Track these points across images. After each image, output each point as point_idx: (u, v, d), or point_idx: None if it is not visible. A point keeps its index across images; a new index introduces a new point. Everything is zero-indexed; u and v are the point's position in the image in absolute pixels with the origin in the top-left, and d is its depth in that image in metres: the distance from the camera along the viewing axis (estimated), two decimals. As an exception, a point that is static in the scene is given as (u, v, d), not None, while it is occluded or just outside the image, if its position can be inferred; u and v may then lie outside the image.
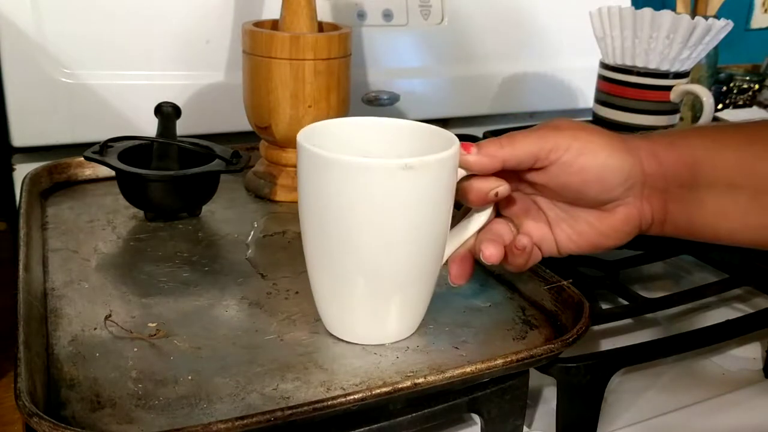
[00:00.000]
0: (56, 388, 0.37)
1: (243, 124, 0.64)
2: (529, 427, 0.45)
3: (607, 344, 0.51)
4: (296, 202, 0.41)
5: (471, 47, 0.83)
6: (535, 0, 0.86)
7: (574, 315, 0.43)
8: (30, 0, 0.64)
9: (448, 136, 0.41)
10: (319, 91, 0.59)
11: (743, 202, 0.40)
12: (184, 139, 0.59)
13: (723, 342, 0.53)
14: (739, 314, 0.53)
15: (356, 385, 0.38)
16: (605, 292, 0.56)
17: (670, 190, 0.41)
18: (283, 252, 0.53)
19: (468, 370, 0.38)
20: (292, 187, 0.62)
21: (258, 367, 0.39)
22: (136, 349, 0.40)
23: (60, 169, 0.63)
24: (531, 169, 0.41)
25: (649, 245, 0.61)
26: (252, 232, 0.56)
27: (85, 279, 0.48)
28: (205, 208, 0.59)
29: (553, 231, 0.44)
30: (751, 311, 0.56)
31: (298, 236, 0.42)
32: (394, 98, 0.79)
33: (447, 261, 0.43)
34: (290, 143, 0.61)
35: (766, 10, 1.30)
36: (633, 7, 0.67)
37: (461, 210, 0.45)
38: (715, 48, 0.83)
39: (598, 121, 0.71)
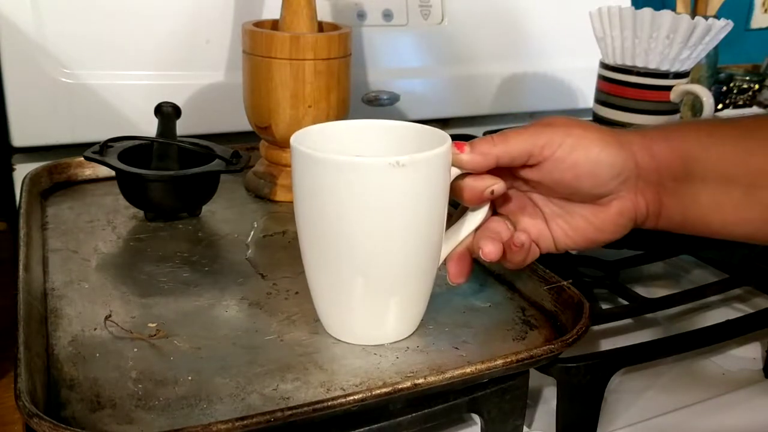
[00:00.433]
0: (56, 388, 0.37)
1: (243, 124, 0.64)
2: (529, 427, 0.45)
3: (607, 344, 0.51)
4: (296, 203, 0.41)
5: (471, 47, 0.83)
6: (535, 0, 0.86)
7: (574, 315, 0.43)
8: (30, 0, 0.64)
9: (441, 134, 0.41)
10: (319, 91, 0.59)
11: (737, 196, 0.40)
12: (184, 139, 0.59)
13: (723, 342, 0.53)
14: (739, 314, 0.53)
15: (356, 386, 0.38)
16: (605, 292, 0.56)
17: (664, 184, 0.41)
18: (283, 252, 0.53)
19: (468, 370, 0.38)
20: (292, 187, 0.62)
21: (258, 368, 0.39)
22: (136, 350, 0.40)
23: (60, 169, 0.63)
24: (525, 166, 0.42)
25: (649, 245, 0.61)
26: (252, 232, 0.56)
27: (85, 279, 0.48)
28: (205, 208, 0.59)
29: (550, 227, 0.44)
30: (751, 311, 0.56)
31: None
32: (394, 98, 0.79)
33: (445, 260, 0.44)
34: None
35: (766, 10, 1.30)
36: (633, 7, 0.67)
37: (458, 209, 0.45)
38: (715, 48, 0.83)
39: (598, 121, 0.71)
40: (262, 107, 0.60)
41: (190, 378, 0.38)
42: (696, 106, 0.85)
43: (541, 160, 0.41)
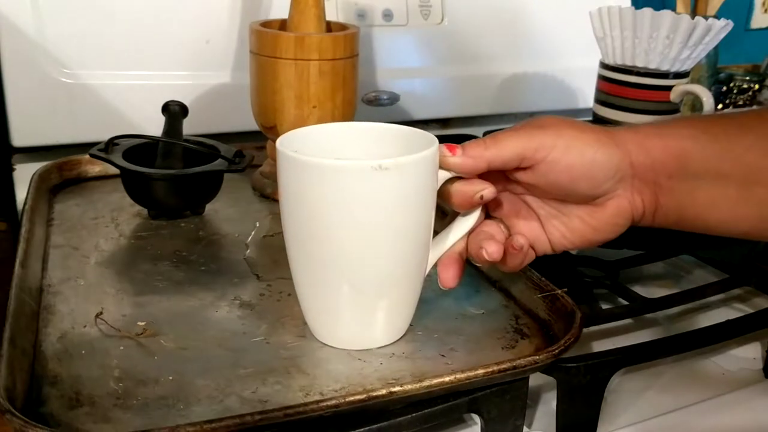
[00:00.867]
0: (39, 384, 0.37)
1: (250, 124, 0.63)
2: (529, 427, 0.44)
3: (607, 344, 0.51)
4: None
5: (471, 47, 0.83)
6: (535, 0, 0.86)
7: (566, 325, 0.43)
8: (30, 0, 0.64)
9: (428, 137, 0.41)
10: (324, 92, 0.58)
11: (733, 192, 0.40)
12: (190, 138, 0.59)
13: (723, 342, 0.53)
14: (739, 314, 0.53)
15: (335, 391, 0.38)
16: (605, 292, 0.56)
17: (659, 181, 0.41)
18: (282, 253, 0.52)
19: (447, 379, 0.37)
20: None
21: (241, 370, 0.39)
22: (122, 348, 0.40)
23: (70, 165, 0.64)
24: (518, 169, 0.41)
25: (649, 245, 0.61)
26: (253, 232, 0.56)
27: (82, 276, 0.48)
28: (209, 207, 0.59)
29: (546, 229, 0.43)
30: (751, 311, 0.56)
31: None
32: (394, 98, 0.79)
33: (435, 264, 0.43)
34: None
35: (766, 10, 1.30)
36: (633, 7, 0.67)
37: (450, 214, 0.44)
38: (715, 48, 0.83)
39: (598, 121, 0.71)
40: (267, 107, 0.60)
41: (171, 378, 0.38)
42: (696, 106, 0.85)
43: (534, 163, 0.40)
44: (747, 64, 1.22)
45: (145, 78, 0.69)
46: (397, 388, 0.36)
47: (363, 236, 0.38)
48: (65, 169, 0.63)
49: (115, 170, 0.61)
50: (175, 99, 0.60)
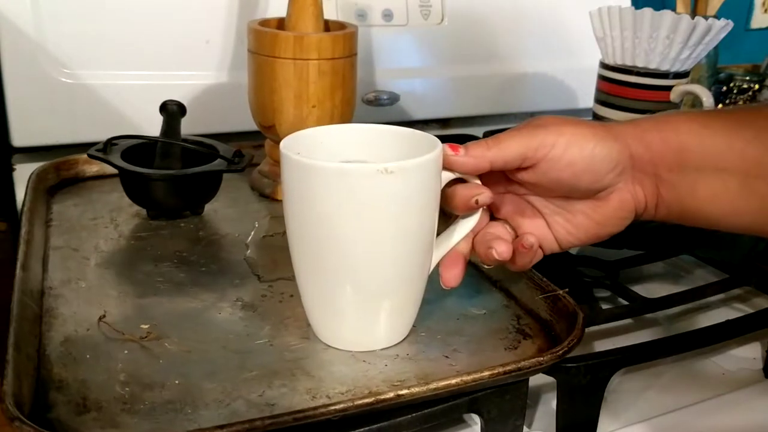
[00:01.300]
0: (45, 389, 0.37)
1: (248, 124, 0.63)
2: (529, 427, 0.44)
3: (607, 344, 0.51)
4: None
5: (471, 47, 0.83)
6: (535, 0, 0.86)
7: (568, 325, 0.43)
8: (30, 0, 0.64)
9: (431, 139, 0.41)
10: (323, 91, 0.58)
11: (733, 186, 0.40)
12: (189, 137, 0.59)
13: (723, 342, 0.53)
14: (739, 314, 0.53)
15: (342, 394, 0.38)
16: (605, 292, 0.56)
17: (659, 174, 0.41)
18: (282, 253, 0.52)
19: (453, 382, 0.37)
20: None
21: (246, 373, 0.39)
22: (126, 351, 0.40)
23: (68, 165, 0.63)
24: (520, 169, 0.41)
25: (649, 245, 0.61)
26: (252, 232, 0.56)
27: (83, 278, 0.48)
28: (208, 206, 0.59)
29: (551, 227, 0.44)
30: (751, 311, 0.56)
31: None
32: (394, 98, 0.79)
33: (438, 265, 0.43)
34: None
35: (766, 10, 1.30)
36: (633, 7, 0.67)
37: (453, 215, 0.44)
38: (715, 48, 0.83)
39: (598, 121, 0.71)
40: (266, 107, 0.60)
41: (177, 382, 0.38)
42: (696, 106, 0.85)
43: (535, 162, 0.41)
44: (747, 64, 1.22)
45: (145, 78, 0.69)
46: (404, 391, 0.36)
47: (368, 238, 0.38)
48: (62, 168, 0.63)
49: (112, 170, 0.61)
50: (176, 99, 0.60)
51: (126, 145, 0.57)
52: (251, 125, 0.63)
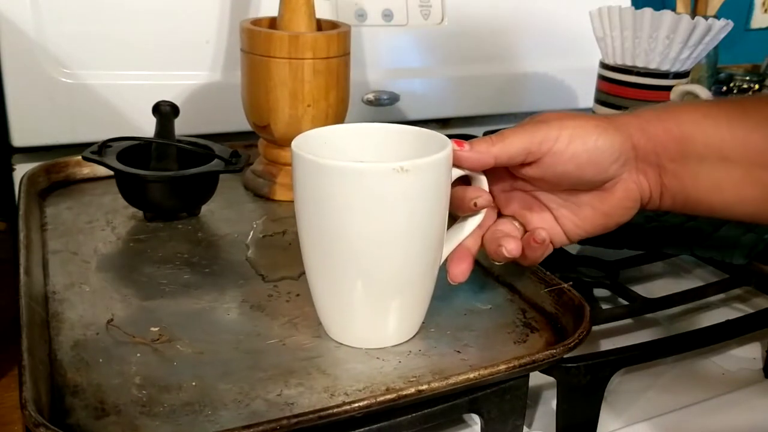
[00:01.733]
0: (60, 395, 0.37)
1: (243, 124, 0.63)
2: (529, 427, 0.45)
3: (607, 344, 0.51)
4: (296, 202, 0.41)
5: (471, 47, 0.83)
6: (535, 0, 0.86)
7: (575, 318, 0.43)
8: (30, 0, 0.64)
9: (441, 138, 0.41)
10: (318, 91, 0.58)
11: (737, 175, 0.40)
12: (184, 138, 0.59)
13: (723, 342, 0.53)
14: (739, 314, 0.53)
15: (360, 391, 0.38)
16: (605, 292, 0.56)
17: (662, 164, 0.42)
18: (283, 253, 0.53)
19: (471, 375, 0.37)
20: (291, 186, 0.62)
21: (261, 373, 0.39)
22: (138, 354, 0.40)
23: (58, 168, 0.63)
24: (525, 165, 0.42)
25: (649, 245, 0.61)
26: (252, 233, 0.56)
27: (86, 282, 0.47)
28: (204, 208, 0.59)
29: (559, 221, 0.44)
30: (751, 311, 0.56)
31: (298, 236, 0.42)
32: (394, 98, 0.79)
33: (445, 260, 0.44)
34: (289, 142, 0.60)
35: (766, 10, 1.30)
36: (633, 7, 0.67)
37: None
38: (715, 48, 0.83)
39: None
40: (260, 106, 0.59)
41: (193, 383, 0.38)
42: (696, 105, 0.85)
43: (539, 156, 0.41)
44: (747, 64, 1.22)
45: (145, 78, 0.69)
46: (424, 386, 0.36)
47: (381, 236, 0.38)
48: (53, 171, 0.62)
49: (104, 172, 0.61)
50: (176, 99, 0.60)
51: (121, 147, 0.57)
52: (242, 125, 0.63)
